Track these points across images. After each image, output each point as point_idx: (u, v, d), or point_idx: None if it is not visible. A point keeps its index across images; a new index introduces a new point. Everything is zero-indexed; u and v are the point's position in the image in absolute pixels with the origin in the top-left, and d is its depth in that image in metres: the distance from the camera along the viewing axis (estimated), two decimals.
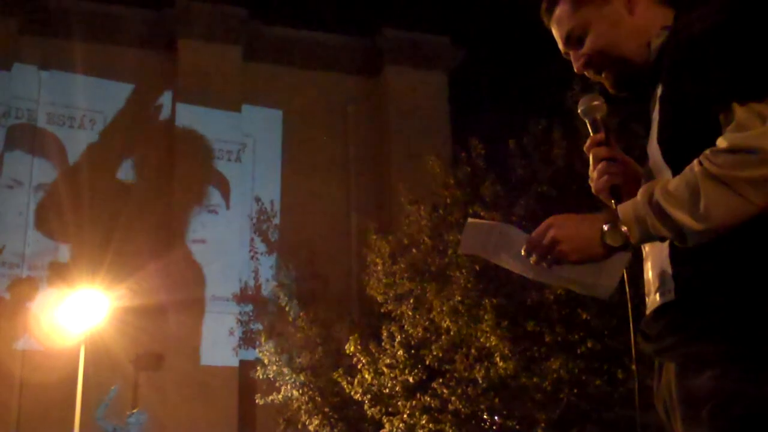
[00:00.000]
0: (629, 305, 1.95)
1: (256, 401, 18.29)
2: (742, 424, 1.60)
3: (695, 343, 1.69)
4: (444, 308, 13.95)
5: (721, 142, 1.62)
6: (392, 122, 25.35)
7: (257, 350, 18.19)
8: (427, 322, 14.47)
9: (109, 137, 23.72)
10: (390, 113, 25.47)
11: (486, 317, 13.29)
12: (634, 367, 2.17)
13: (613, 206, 1.85)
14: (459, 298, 13.83)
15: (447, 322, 13.96)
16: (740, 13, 1.67)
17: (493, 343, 13.23)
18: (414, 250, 15.17)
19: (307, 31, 25.83)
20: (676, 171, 1.71)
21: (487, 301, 13.38)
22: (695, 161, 1.65)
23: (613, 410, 12.65)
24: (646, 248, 1.89)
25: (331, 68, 25.80)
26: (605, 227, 1.75)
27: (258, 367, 17.79)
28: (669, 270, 1.77)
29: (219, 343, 21.55)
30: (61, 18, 23.01)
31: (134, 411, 17.05)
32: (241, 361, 21.48)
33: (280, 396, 17.23)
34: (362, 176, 25.21)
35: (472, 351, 13.78)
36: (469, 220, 2.02)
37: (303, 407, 16.64)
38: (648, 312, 1.85)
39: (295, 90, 25.08)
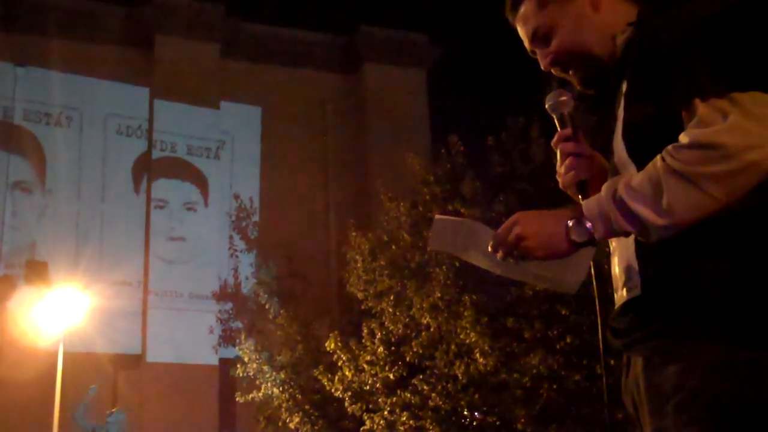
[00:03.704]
0: (596, 301, 1.96)
1: (237, 399, 18.23)
2: (706, 417, 1.61)
3: (661, 337, 1.71)
4: (424, 305, 13.97)
5: (683, 138, 1.64)
6: (371, 119, 25.36)
7: (237, 348, 18.12)
8: (407, 319, 14.48)
9: (87, 134, 23.55)
10: (369, 110, 25.48)
11: (466, 314, 13.32)
12: (602, 365, 2.20)
13: (581, 202, 1.87)
14: (439, 295, 13.86)
15: (427, 319, 13.98)
16: (702, 12, 1.68)
17: (473, 340, 13.26)
18: (393, 247, 15.17)
19: (285, 29, 25.77)
20: (640, 167, 1.72)
21: (466, 297, 13.41)
22: (658, 157, 1.66)
23: (592, 406, 12.70)
24: (613, 243, 1.90)
25: (309, 65, 25.76)
26: (570, 223, 1.76)
27: (238, 365, 17.72)
28: (635, 265, 1.79)
29: (198, 342, 21.45)
30: (38, 14, 22.82)
31: (113, 411, 16.94)
32: (221, 359, 21.40)
33: (260, 394, 17.18)
34: (341, 173, 25.20)
35: (452, 347, 13.80)
36: (437, 216, 2.05)
37: (283, 405, 16.60)
38: (616, 307, 1.87)
39: (274, 87, 25.02)
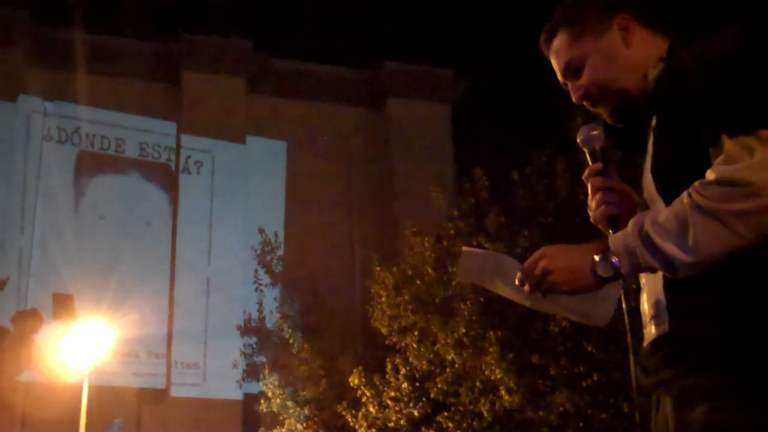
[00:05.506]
0: (629, 337, 1.94)
1: None
2: None
3: (689, 376, 1.69)
4: (448, 340, 13.88)
5: (710, 175, 1.64)
6: (396, 154, 25.40)
7: (261, 383, 18.05)
8: (431, 355, 14.38)
9: (114, 167, 23.79)
10: (393, 145, 25.53)
11: (491, 349, 13.22)
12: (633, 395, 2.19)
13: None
14: (463, 330, 13.76)
15: (451, 355, 13.88)
16: (731, 49, 1.68)
17: (498, 376, 13.14)
18: (418, 282, 15.11)
19: (311, 64, 25.97)
20: (668, 202, 1.72)
21: (491, 333, 13.31)
22: (685, 193, 1.66)
23: None
24: (642, 279, 1.89)
25: (334, 100, 25.89)
26: (596, 258, 1.77)
27: (262, 401, 17.66)
28: (663, 301, 1.78)
29: (223, 376, 21.41)
30: (67, 50, 23.14)
31: None
32: (245, 394, 21.33)
33: (284, 430, 17.08)
34: (366, 207, 25.21)
35: (477, 384, 13.68)
36: (464, 248, 2.07)
37: None
38: (645, 344, 1.86)
39: (299, 121, 25.18)
